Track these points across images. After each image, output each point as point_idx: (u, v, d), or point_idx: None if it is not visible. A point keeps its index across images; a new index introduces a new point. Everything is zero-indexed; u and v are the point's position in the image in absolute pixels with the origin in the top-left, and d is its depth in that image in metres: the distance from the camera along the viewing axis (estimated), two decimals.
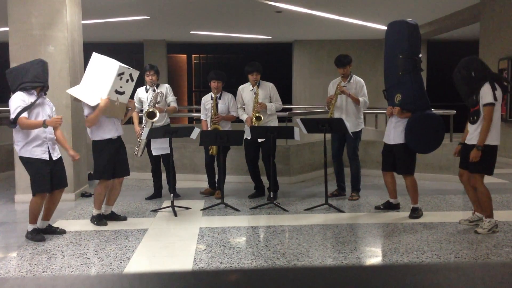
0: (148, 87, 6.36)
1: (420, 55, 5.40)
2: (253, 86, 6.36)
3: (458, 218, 5.23)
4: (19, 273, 3.87)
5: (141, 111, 6.48)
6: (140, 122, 6.47)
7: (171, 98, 6.40)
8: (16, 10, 6.24)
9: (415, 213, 5.40)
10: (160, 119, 6.15)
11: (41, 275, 3.74)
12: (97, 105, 4.97)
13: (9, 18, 6.26)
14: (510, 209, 5.84)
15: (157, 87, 6.29)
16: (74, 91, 5.17)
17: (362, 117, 6.45)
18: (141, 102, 6.41)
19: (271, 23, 12.81)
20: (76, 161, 5.07)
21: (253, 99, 6.30)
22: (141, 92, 6.42)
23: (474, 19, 11.07)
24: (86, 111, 5.09)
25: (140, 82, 6.52)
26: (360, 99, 6.14)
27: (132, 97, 5.41)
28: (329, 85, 6.43)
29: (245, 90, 6.47)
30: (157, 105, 6.13)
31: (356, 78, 6.28)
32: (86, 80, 5.19)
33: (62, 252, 4.35)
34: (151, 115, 6.06)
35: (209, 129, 6.36)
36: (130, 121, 6.50)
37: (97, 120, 5.03)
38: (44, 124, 4.53)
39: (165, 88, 6.40)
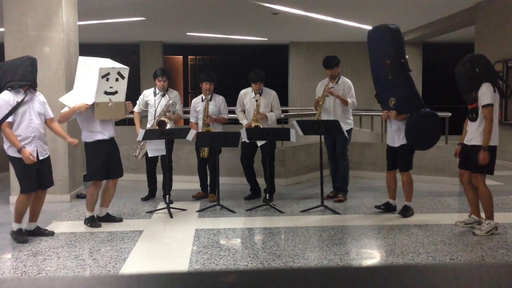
0: (157, 91, 6.29)
1: (407, 56, 5.45)
2: (255, 94, 6.32)
3: (454, 220, 5.25)
4: (14, 274, 3.86)
5: (144, 111, 6.45)
6: (141, 123, 6.44)
7: (178, 107, 6.32)
8: (12, 11, 6.21)
9: (407, 211, 5.47)
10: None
11: (38, 277, 3.72)
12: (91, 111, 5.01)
13: (4, 19, 6.23)
14: (505, 211, 5.86)
15: (166, 92, 6.25)
16: (65, 99, 5.13)
17: (351, 117, 6.44)
18: (146, 104, 6.35)
19: (268, 25, 12.82)
20: (75, 147, 5.06)
21: (254, 107, 6.28)
22: (148, 94, 6.35)
23: (469, 22, 11.11)
24: (76, 115, 5.10)
25: (137, 84, 6.51)
26: (349, 100, 6.15)
27: (128, 97, 5.38)
28: (318, 86, 6.45)
29: (247, 96, 6.41)
30: (167, 113, 6.08)
31: (344, 79, 6.30)
32: (76, 86, 5.17)
33: (57, 254, 4.34)
34: (161, 124, 6.01)
35: (200, 131, 6.29)
36: (129, 123, 6.48)
37: (68, 117, 5.02)
38: (19, 149, 4.46)
39: (175, 95, 6.34)
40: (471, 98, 4.75)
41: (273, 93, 6.43)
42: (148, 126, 6.20)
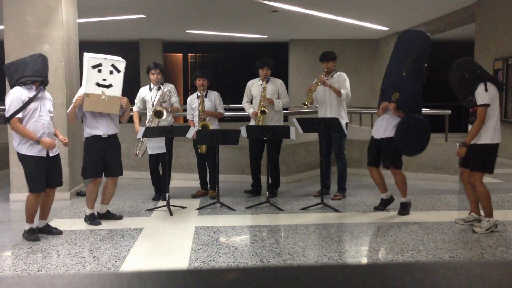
0: (152, 86, 6.27)
1: (426, 65, 5.45)
2: (262, 81, 6.39)
3: (453, 217, 5.26)
4: (14, 272, 3.86)
5: (144, 109, 6.44)
6: (140, 121, 6.42)
7: (174, 99, 6.32)
8: (12, 8, 6.20)
9: (405, 209, 5.48)
10: (166, 118, 6.07)
11: (39, 274, 3.72)
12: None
13: (4, 16, 6.22)
14: (504, 208, 5.87)
15: (161, 85, 6.23)
16: (89, 106, 5.04)
17: (346, 112, 6.42)
18: (144, 101, 6.32)
19: (267, 22, 12.81)
20: (65, 146, 4.96)
21: (261, 93, 6.32)
22: (144, 91, 6.33)
23: (469, 20, 11.11)
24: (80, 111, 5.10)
25: (137, 81, 6.51)
26: (342, 91, 6.13)
27: (129, 95, 5.37)
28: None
29: (254, 84, 6.53)
30: (163, 104, 6.08)
31: (339, 73, 6.30)
32: (83, 83, 5.13)
33: (57, 251, 4.34)
34: (158, 114, 5.99)
35: (196, 126, 6.29)
36: (129, 120, 6.47)
37: (74, 115, 5.04)
38: (37, 141, 4.46)
39: (170, 87, 6.31)
40: (470, 102, 4.77)
41: (279, 81, 6.51)
42: (147, 122, 6.19)
